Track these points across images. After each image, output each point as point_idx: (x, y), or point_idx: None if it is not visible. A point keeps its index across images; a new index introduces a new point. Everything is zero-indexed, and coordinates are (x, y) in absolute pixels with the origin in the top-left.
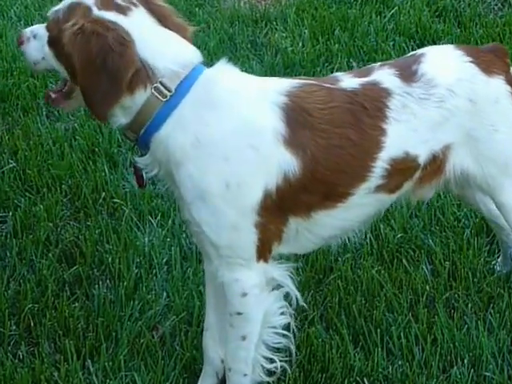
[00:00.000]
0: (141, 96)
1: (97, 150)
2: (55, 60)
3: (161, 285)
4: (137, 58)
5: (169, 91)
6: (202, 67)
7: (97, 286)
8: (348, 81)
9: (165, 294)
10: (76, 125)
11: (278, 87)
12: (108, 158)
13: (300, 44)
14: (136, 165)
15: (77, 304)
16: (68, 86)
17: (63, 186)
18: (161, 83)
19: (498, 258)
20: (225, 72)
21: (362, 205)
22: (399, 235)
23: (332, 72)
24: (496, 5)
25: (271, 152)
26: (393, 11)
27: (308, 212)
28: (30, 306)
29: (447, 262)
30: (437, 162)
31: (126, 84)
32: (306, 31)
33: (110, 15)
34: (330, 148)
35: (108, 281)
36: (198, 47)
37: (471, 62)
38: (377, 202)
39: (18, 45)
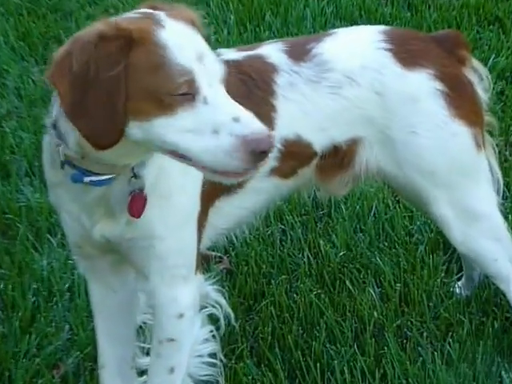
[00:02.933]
0: None
1: None
2: None
3: (62, 315)
4: None
5: None
6: None
7: None
8: (230, 54)
9: (67, 326)
10: None
11: None
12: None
13: (225, 31)
14: (142, 188)
15: None
16: None
17: None
18: None
19: (457, 278)
20: None
21: (258, 190)
22: (342, 253)
23: None
24: None
25: None
26: None
27: (215, 201)
28: None
29: (398, 284)
30: (339, 154)
31: None
32: (232, 17)
33: None
34: None
35: (0, 311)
36: None
37: (387, 49)
38: (272, 188)
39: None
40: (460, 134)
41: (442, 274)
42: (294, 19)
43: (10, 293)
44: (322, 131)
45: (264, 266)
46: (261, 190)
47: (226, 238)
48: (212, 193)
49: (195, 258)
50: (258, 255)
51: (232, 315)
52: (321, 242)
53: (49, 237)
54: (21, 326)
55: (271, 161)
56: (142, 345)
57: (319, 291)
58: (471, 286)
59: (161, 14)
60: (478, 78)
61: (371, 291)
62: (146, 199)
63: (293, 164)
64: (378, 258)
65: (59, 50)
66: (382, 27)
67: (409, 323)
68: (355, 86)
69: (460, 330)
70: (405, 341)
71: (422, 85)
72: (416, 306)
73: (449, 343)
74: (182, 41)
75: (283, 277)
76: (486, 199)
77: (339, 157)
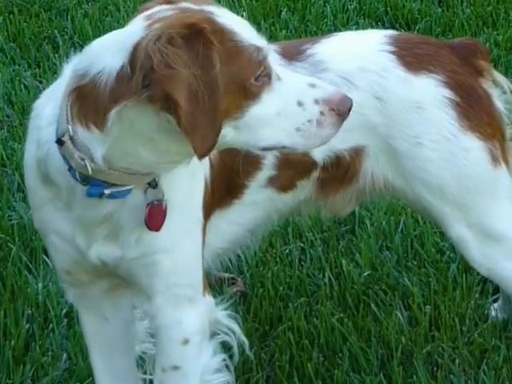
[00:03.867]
0: None
1: None
2: None
3: (59, 343)
4: None
5: None
6: None
7: None
8: None
9: (65, 354)
10: None
11: None
12: None
13: None
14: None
15: None
16: None
17: None
18: None
19: (493, 300)
20: None
21: (254, 203)
22: (366, 273)
23: None
24: None
25: None
26: None
27: (211, 214)
28: None
29: (428, 307)
30: (343, 166)
31: None
32: (245, 13)
33: None
34: None
35: None
36: None
37: (391, 51)
38: (268, 202)
39: None
40: (472, 148)
41: (477, 296)
42: (313, 16)
43: (2, 319)
44: None
45: (281, 288)
46: (257, 204)
47: (230, 260)
48: (210, 204)
49: (201, 276)
50: (274, 276)
51: (246, 342)
52: (343, 261)
53: (44, 257)
54: (14, 355)
55: (268, 169)
56: (144, 376)
57: (341, 315)
58: (508, 308)
59: (194, 6)
60: (500, 91)
61: (398, 315)
62: (165, 210)
63: (290, 174)
64: (405, 279)
65: (146, 56)
66: (390, 32)
67: (440, 349)
68: (353, 89)
69: (496, 356)
70: (435, 368)
71: (429, 91)
72: (447, 330)
73: (483, 371)
74: (239, 24)
75: (302, 299)
76: (507, 218)
77: (342, 169)
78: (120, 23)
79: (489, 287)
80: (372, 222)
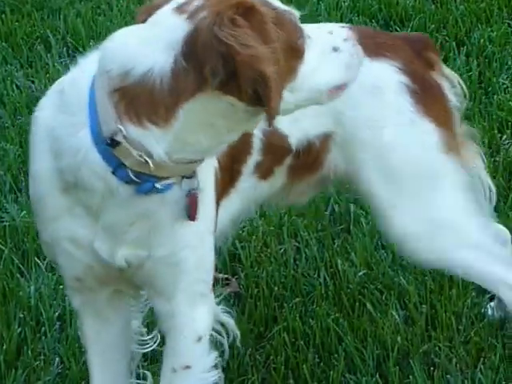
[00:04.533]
0: None
1: None
2: None
3: (52, 347)
4: None
5: None
6: None
7: None
8: None
9: (57, 359)
10: None
11: None
12: None
13: None
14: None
15: None
16: None
17: None
18: None
19: (489, 298)
20: None
21: (242, 192)
22: (361, 272)
23: None
24: None
25: None
26: None
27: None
28: None
29: (424, 306)
30: (313, 153)
31: None
32: None
33: None
34: None
35: None
36: None
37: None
38: (252, 191)
39: None
40: (428, 133)
41: (473, 294)
42: (308, 14)
43: None
44: (295, 122)
45: (276, 288)
46: (244, 193)
47: (234, 257)
48: (218, 194)
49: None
50: (269, 276)
51: (241, 344)
52: (338, 260)
53: (36, 260)
54: (5, 359)
55: (256, 154)
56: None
57: (337, 315)
58: (504, 306)
59: None
60: (450, 84)
61: (394, 314)
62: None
63: (271, 159)
64: (401, 278)
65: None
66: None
67: (436, 349)
68: None
69: (492, 355)
70: (432, 368)
71: (387, 76)
72: (444, 329)
73: (480, 370)
74: None
75: (297, 300)
76: (452, 206)
77: (312, 156)
78: (113, 22)
79: None
80: (367, 220)
